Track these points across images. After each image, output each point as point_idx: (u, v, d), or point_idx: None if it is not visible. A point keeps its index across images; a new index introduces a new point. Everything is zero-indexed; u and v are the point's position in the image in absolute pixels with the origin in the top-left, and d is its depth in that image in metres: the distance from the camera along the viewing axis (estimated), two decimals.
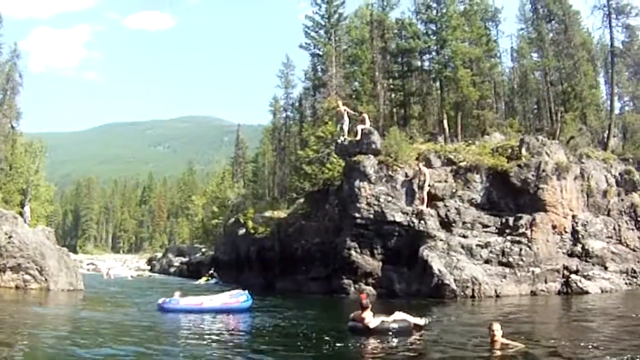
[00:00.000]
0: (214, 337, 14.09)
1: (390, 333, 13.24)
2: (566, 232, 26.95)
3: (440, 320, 16.31)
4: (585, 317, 17.78)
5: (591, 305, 20.70)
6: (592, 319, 17.19)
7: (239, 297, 19.52)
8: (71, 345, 11.70)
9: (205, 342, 13.03)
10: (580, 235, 26.94)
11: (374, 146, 28.51)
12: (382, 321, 13.34)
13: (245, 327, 16.33)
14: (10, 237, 26.35)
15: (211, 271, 45.41)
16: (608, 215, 28.70)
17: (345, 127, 29.93)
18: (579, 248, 26.58)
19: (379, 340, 12.69)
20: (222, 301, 19.44)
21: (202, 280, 42.57)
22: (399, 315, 13.76)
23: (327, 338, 12.95)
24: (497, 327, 10.93)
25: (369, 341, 12.67)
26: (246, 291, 19.86)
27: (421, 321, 14.10)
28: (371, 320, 13.22)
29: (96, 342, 12.35)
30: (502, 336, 10.92)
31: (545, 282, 24.86)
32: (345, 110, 30.08)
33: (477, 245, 25.54)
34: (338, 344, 12.23)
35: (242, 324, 16.99)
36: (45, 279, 26.41)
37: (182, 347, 12.16)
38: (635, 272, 26.14)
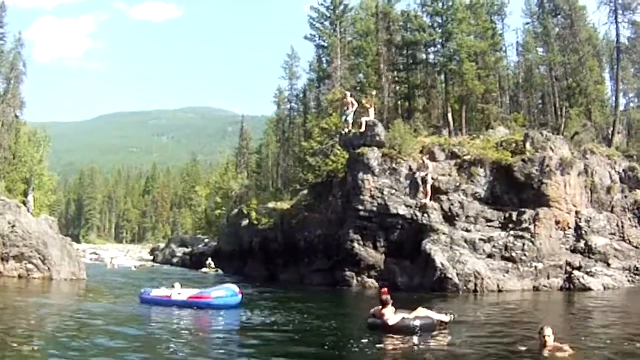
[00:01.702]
0: (217, 334, 13.70)
1: (413, 331, 12.43)
2: (569, 228, 26.88)
3: (464, 317, 15.48)
4: (588, 314, 17.75)
5: (594, 302, 20.65)
6: (594, 316, 17.19)
7: (212, 293, 17.79)
8: (63, 337, 11.60)
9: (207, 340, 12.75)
10: (583, 232, 26.88)
11: (378, 139, 28.50)
12: (404, 318, 12.59)
13: (244, 324, 15.08)
14: (13, 226, 26.45)
15: (209, 262, 45.70)
16: (612, 212, 28.63)
17: (350, 119, 29.91)
18: (582, 244, 26.52)
19: (400, 339, 11.99)
20: (189, 295, 17.90)
21: (212, 271, 42.83)
22: (422, 311, 13.01)
23: (342, 335, 12.61)
24: (549, 331, 10.03)
25: (388, 340, 11.95)
26: (233, 286, 18.10)
27: (446, 318, 13.39)
28: (392, 317, 12.53)
29: (90, 334, 12.16)
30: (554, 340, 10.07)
31: (548, 278, 24.83)
32: (351, 102, 30.04)
33: (480, 239, 25.53)
34: (355, 342, 11.67)
35: (232, 320, 15.86)
36: (48, 269, 26.51)
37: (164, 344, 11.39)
38: (638, 269, 26.06)
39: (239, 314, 16.61)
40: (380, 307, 12.83)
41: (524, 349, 10.74)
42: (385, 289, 13.35)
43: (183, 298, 17.78)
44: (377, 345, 11.52)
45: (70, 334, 11.97)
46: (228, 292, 17.61)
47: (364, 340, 11.79)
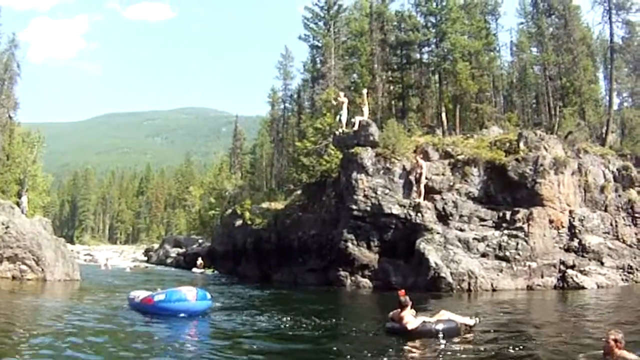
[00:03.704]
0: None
1: (435, 335, 11.60)
2: (563, 227, 26.89)
3: (487, 318, 14.55)
4: (582, 312, 17.76)
5: (587, 300, 20.70)
6: (588, 314, 17.19)
7: (155, 296, 15.42)
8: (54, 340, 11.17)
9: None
10: (577, 231, 26.89)
11: (371, 138, 28.47)
12: (424, 322, 11.78)
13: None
14: (7, 227, 26.30)
15: (199, 261, 45.79)
16: (605, 210, 28.66)
17: (344, 119, 29.88)
18: (575, 243, 26.54)
19: (420, 344, 11.11)
20: (142, 297, 16.04)
21: (208, 271, 42.89)
22: (444, 314, 12.22)
23: (357, 339, 11.89)
24: (620, 336, 8.65)
25: (407, 345, 11.04)
26: (187, 289, 15.39)
27: (471, 321, 12.44)
28: (411, 320, 11.71)
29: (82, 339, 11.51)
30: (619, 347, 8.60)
31: (542, 277, 24.85)
32: (344, 102, 30.02)
33: (474, 238, 25.54)
34: (372, 347, 10.76)
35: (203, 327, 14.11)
36: (42, 270, 26.37)
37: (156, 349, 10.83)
38: (631, 268, 26.16)
39: (237, 317, 15.09)
40: (399, 309, 12.07)
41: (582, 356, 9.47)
42: (403, 290, 12.51)
43: (138, 301, 16.25)
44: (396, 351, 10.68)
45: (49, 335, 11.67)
46: (174, 295, 15.07)
47: (381, 345, 11.00)
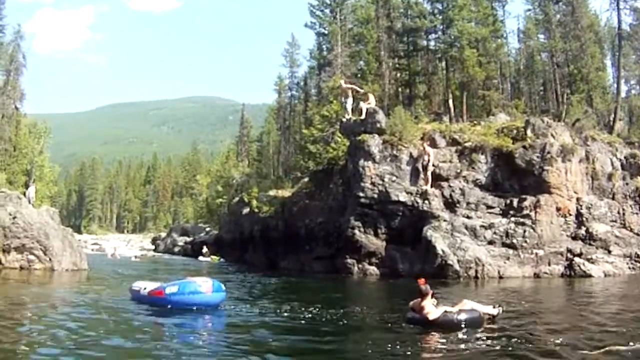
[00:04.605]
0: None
1: (457, 326, 11.08)
2: (570, 214, 26.81)
3: (509, 307, 14.00)
4: (589, 300, 17.69)
5: (594, 288, 20.65)
6: (595, 302, 17.13)
7: (166, 288, 14.33)
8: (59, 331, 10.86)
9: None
10: (584, 218, 26.80)
11: (378, 125, 28.42)
12: (446, 312, 11.30)
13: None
14: (14, 217, 26.36)
15: (204, 249, 45.95)
16: (613, 198, 28.54)
17: (349, 106, 29.81)
18: (582, 231, 26.45)
19: (441, 335, 10.52)
20: (150, 289, 14.94)
21: (215, 260, 42.99)
22: (466, 304, 11.72)
23: (375, 329, 11.52)
24: None
25: (429, 336, 10.61)
26: (201, 280, 14.48)
27: (494, 310, 12.04)
28: (432, 310, 11.23)
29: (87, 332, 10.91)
30: None
31: (549, 265, 24.79)
32: (348, 88, 29.93)
33: (481, 226, 25.51)
34: (391, 338, 10.19)
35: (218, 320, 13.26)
36: (50, 259, 26.42)
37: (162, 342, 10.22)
38: (638, 256, 25.91)
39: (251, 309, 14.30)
40: (419, 299, 11.51)
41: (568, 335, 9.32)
42: (423, 279, 11.85)
43: (145, 293, 15.11)
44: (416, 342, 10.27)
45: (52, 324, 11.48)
46: (188, 287, 14.10)
47: (403, 336, 10.61)
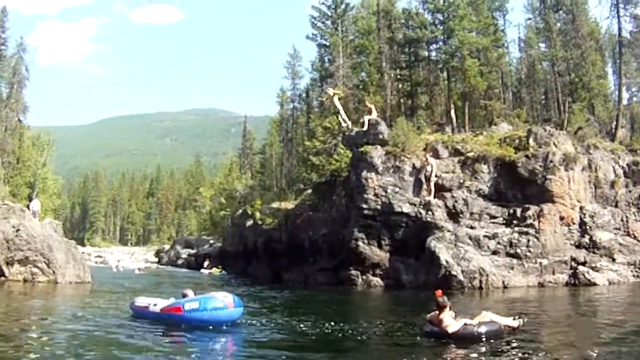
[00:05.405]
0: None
1: (477, 339, 10.91)
2: (574, 223, 26.79)
3: (533, 317, 13.83)
4: (594, 309, 17.67)
5: (599, 297, 20.62)
6: (600, 310, 17.11)
7: (185, 305, 13.39)
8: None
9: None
10: (587, 227, 26.78)
11: (381, 137, 28.51)
12: (465, 324, 11.07)
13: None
14: (17, 230, 26.43)
15: (207, 262, 45.97)
16: (616, 206, 28.53)
17: (343, 115, 29.87)
18: (586, 239, 26.43)
19: (461, 348, 10.40)
20: (162, 306, 14.02)
21: (217, 272, 42.99)
22: (485, 316, 11.54)
23: (396, 347, 11.00)
24: None
25: (448, 350, 10.46)
26: (222, 295, 13.60)
27: (514, 322, 11.80)
28: (451, 323, 11.04)
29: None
30: None
31: (553, 274, 24.79)
32: (333, 97, 29.95)
33: (485, 236, 25.51)
34: (409, 353, 9.98)
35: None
36: (53, 272, 26.47)
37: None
38: None
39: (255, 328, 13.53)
40: (437, 311, 11.37)
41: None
42: (440, 291, 11.80)
43: (157, 310, 14.12)
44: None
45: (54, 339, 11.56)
46: (210, 303, 13.13)
47: (422, 350, 10.53)
